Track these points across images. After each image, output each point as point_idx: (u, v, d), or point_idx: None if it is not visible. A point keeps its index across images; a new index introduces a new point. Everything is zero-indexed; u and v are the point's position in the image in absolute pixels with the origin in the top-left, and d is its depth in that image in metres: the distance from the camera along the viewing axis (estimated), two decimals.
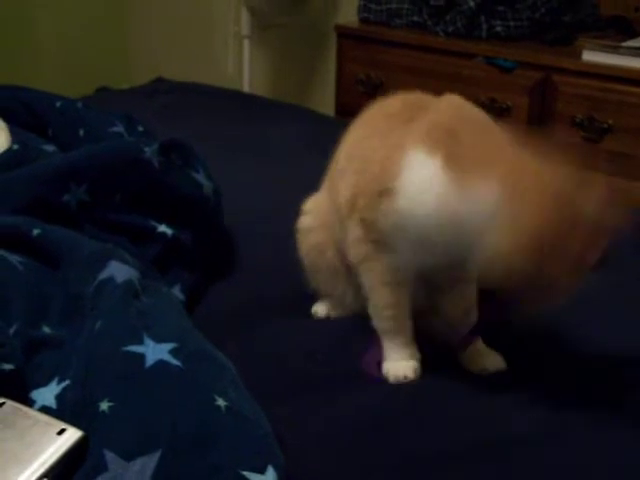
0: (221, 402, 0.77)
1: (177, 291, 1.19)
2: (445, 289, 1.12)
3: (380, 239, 1.04)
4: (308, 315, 1.26)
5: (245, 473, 0.72)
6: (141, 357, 0.81)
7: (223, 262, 1.35)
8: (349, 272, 1.17)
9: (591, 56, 2.33)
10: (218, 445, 0.74)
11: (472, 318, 1.12)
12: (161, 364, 0.80)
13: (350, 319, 1.21)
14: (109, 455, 0.72)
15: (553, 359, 1.13)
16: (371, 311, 1.12)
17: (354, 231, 1.08)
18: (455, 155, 0.97)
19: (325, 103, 2.91)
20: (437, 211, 0.97)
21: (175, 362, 0.81)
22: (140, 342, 0.82)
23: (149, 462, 0.71)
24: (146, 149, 1.24)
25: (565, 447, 0.93)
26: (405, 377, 1.08)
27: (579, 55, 2.35)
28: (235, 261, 1.38)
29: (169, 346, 0.83)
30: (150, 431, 0.74)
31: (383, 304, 1.10)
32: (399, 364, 1.09)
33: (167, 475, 0.71)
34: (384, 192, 1.01)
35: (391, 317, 1.10)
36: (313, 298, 1.27)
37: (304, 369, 1.10)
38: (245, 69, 3.00)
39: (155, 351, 0.81)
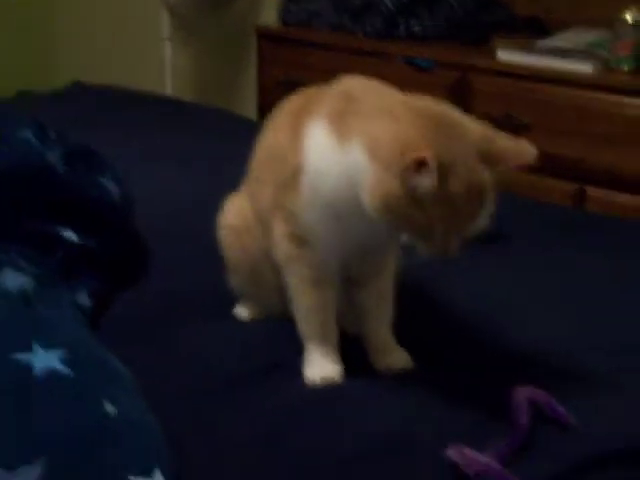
0: (110, 408, 0.78)
1: (84, 297, 1.18)
2: (361, 284, 1.13)
3: (301, 232, 1.05)
4: (229, 317, 1.26)
5: (131, 477, 0.72)
6: (29, 365, 0.80)
7: (136, 266, 1.34)
8: (274, 276, 1.17)
9: (505, 55, 2.38)
10: (104, 450, 0.75)
11: (386, 309, 1.14)
12: (49, 372, 0.80)
13: (273, 321, 1.21)
14: None
15: (460, 355, 1.16)
16: (297, 315, 1.12)
17: (278, 228, 1.08)
18: (346, 119, 0.99)
19: (248, 105, 2.91)
20: (338, 177, 0.98)
21: (64, 369, 0.81)
22: (29, 350, 0.82)
23: (32, 470, 0.71)
24: (50, 155, 1.23)
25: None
26: (332, 379, 1.09)
27: (494, 54, 2.40)
28: (151, 264, 1.37)
29: (59, 354, 0.82)
30: (33, 440, 0.73)
31: (309, 307, 1.10)
32: (325, 367, 1.10)
33: None
34: (295, 173, 1.02)
35: (317, 322, 1.10)
36: (234, 300, 1.27)
37: (221, 371, 1.10)
38: (167, 72, 2.98)
39: (44, 359, 0.81)
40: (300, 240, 1.06)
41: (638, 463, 0.91)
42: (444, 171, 0.89)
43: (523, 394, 0.97)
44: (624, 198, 2.23)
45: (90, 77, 2.68)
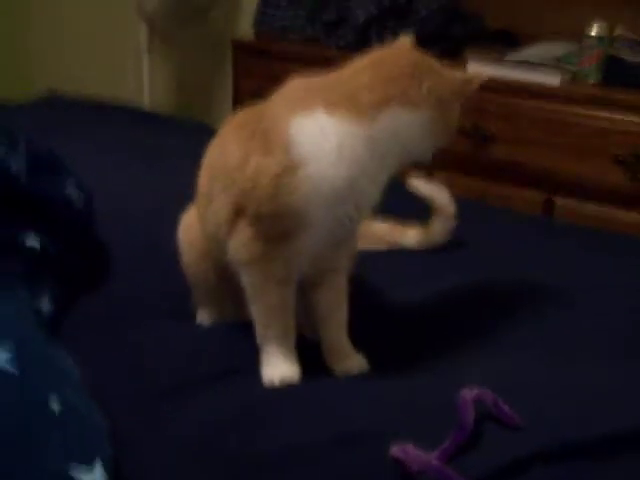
0: (55, 404, 0.81)
1: (46, 302, 1.21)
2: (317, 283, 1.15)
3: (286, 226, 1.05)
4: (188, 322, 1.28)
5: (73, 467, 0.75)
6: None
7: (98, 271, 1.37)
8: (228, 284, 1.19)
9: (475, 68, 2.42)
10: (48, 442, 0.78)
11: (341, 312, 1.17)
12: None
13: (232, 326, 1.23)
14: None
15: (415, 358, 1.18)
16: (258, 317, 1.13)
17: (242, 233, 1.09)
18: (328, 102, 1.04)
19: (225, 116, 2.94)
20: (346, 155, 1.03)
21: (11, 369, 0.83)
22: None
23: None
24: (12, 163, 1.25)
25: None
26: (290, 381, 1.11)
27: (465, 67, 2.44)
28: (113, 269, 1.39)
29: (7, 353, 0.85)
30: None
31: (272, 306, 1.11)
32: (284, 368, 1.12)
33: None
34: (285, 171, 1.03)
35: (279, 322, 1.12)
36: (195, 305, 1.29)
37: (177, 373, 1.12)
38: (145, 84, 3.01)
39: None
40: (279, 237, 1.07)
41: (577, 459, 0.93)
42: None
43: (470, 394, 0.99)
44: (591, 208, 2.27)
45: (68, 89, 2.70)
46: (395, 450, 0.90)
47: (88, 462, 0.78)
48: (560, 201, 2.33)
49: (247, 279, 1.12)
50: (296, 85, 1.12)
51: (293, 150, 1.03)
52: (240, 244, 1.10)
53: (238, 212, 1.09)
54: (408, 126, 1.08)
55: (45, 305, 1.20)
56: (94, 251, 1.37)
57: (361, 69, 1.10)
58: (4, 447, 0.76)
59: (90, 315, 1.27)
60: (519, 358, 1.16)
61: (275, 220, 1.06)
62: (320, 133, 1.04)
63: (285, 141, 1.04)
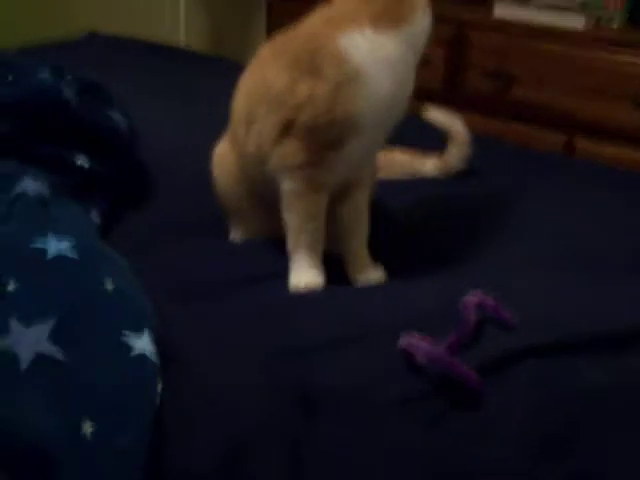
0: (109, 285, 0.96)
1: (94, 215, 1.34)
2: (343, 196, 1.27)
3: (339, 134, 1.17)
4: (223, 237, 1.40)
5: (125, 334, 0.91)
6: (43, 251, 0.98)
7: (140, 191, 1.49)
8: (260, 204, 1.32)
9: (501, 11, 2.49)
10: (104, 314, 0.93)
11: (362, 227, 1.29)
12: (60, 256, 0.97)
13: (263, 241, 1.36)
14: (12, 322, 0.89)
15: (428, 270, 1.29)
16: (292, 224, 1.23)
17: (292, 144, 1.19)
18: (369, 18, 1.16)
19: None
20: (395, 60, 1.16)
21: (72, 255, 0.98)
22: (44, 239, 0.99)
23: (45, 327, 0.88)
24: (66, 91, 1.38)
25: None
26: (314, 287, 1.22)
27: (491, 10, 2.51)
28: (154, 191, 1.52)
29: (68, 242, 0.99)
30: (46, 305, 0.91)
31: (308, 212, 1.22)
32: (310, 275, 1.23)
33: (60, 336, 0.89)
34: (342, 83, 1.15)
35: (312, 230, 1.23)
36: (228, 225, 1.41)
37: (215, 277, 1.24)
38: (181, 24, 3.10)
39: (56, 246, 0.98)
40: (329, 145, 1.18)
41: (568, 355, 1.05)
42: None
43: (473, 299, 1.10)
44: (611, 150, 2.34)
45: (105, 28, 2.79)
46: (403, 342, 1.02)
47: (138, 330, 0.93)
48: (580, 143, 2.40)
49: (289, 186, 1.22)
50: (327, 11, 1.21)
51: (348, 63, 1.15)
52: (288, 153, 1.20)
53: (286, 128, 1.20)
54: (428, 21, 1.20)
55: (94, 218, 1.33)
56: (139, 175, 1.49)
57: None
58: (68, 312, 0.91)
59: (133, 231, 1.40)
60: (520, 273, 1.27)
61: (330, 129, 1.17)
62: (370, 45, 1.15)
63: (337, 57, 1.15)
